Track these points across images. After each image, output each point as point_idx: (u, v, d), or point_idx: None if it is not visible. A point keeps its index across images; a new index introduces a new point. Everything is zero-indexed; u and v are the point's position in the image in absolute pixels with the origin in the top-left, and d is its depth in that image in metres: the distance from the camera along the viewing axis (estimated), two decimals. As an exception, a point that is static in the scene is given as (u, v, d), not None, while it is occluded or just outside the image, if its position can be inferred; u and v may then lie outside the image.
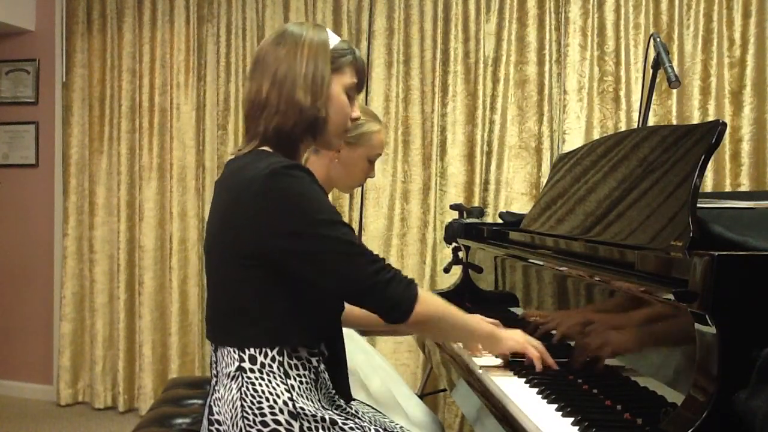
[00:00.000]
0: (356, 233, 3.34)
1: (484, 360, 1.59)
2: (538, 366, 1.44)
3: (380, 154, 1.99)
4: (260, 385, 1.27)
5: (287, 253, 1.24)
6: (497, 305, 2.02)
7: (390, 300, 1.27)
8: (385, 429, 1.41)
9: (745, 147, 2.93)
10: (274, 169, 1.23)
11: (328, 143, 1.42)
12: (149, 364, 3.67)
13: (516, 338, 1.48)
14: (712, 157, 1.65)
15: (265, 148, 1.33)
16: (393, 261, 3.34)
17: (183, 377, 3.18)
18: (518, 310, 1.84)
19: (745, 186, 2.91)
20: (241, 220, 1.26)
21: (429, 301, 1.32)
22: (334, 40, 1.39)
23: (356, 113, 1.43)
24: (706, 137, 1.27)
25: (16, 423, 3.58)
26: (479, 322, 1.50)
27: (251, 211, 1.25)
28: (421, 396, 2.50)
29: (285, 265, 1.25)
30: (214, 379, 1.35)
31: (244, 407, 1.26)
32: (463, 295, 2.34)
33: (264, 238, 1.24)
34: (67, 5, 3.86)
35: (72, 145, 3.83)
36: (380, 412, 1.59)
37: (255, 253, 1.26)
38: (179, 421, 1.83)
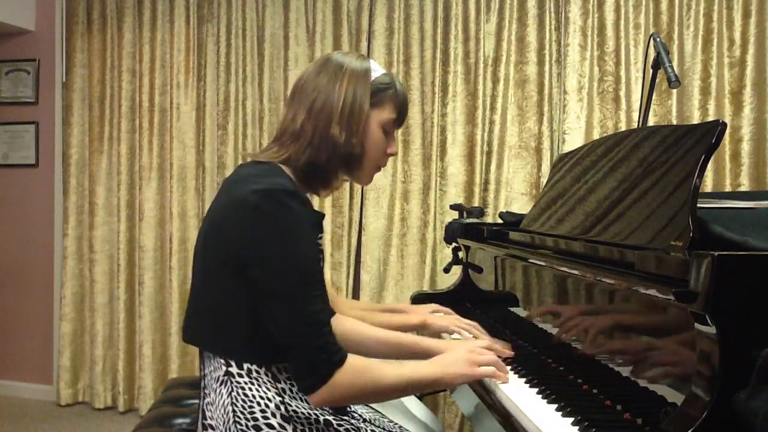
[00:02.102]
0: (357, 232, 3.35)
1: None
2: (503, 378, 1.38)
3: None
4: (250, 389, 1.26)
5: (255, 276, 1.22)
6: (497, 305, 2.02)
7: (301, 367, 1.20)
8: (383, 428, 1.41)
9: (745, 147, 2.93)
10: (273, 191, 1.21)
11: (361, 178, 1.40)
12: (149, 364, 3.67)
13: (464, 374, 1.34)
14: (712, 157, 1.65)
15: (284, 167, 1.31)
16: (393, 261, 3.34)
17: (183, 377, 3.18)
18: (518, 310, 1.85)
19: (745, 186, 2.91)
20: (227, 231, 1.25)
21: (347, 383, 1.21)
22: (376, 73, 1.36)
23: (393, 149, 1.40)
24: (706, 137, 1.27)
25: (16, 423, 3.58)
26: (424, 370, 1.33)
27: (238, 225, 1.23)
28: (421, 396, 2.50)
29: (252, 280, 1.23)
30: (203, 381, 1.34)
31: (236, 412, 1.25)
32: (463, 295, 2.34)
33: (243, 255, 1.22)
34: (67, 5, 3.86)
35: (72, 145, 3.83)
36: (379, 412, 1.59)
37: (235, 265, 1.24)
38: (179, 421, 1.83)
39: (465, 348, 1.40)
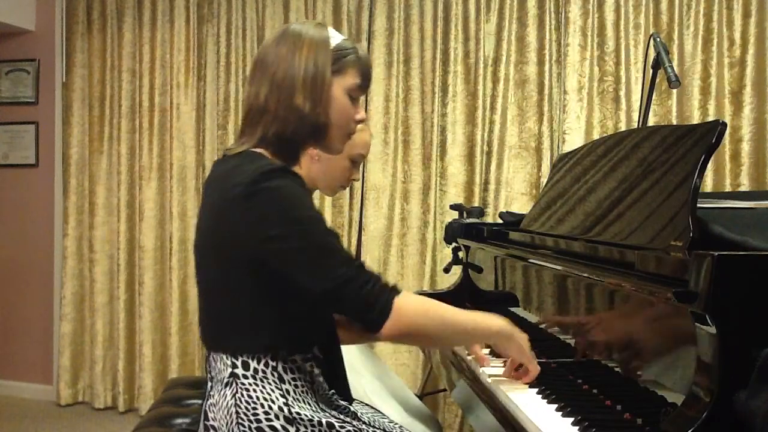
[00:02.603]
0: (357, 232, 3.35)
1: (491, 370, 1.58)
2: (527, 380, 1.40)
3: (363, 155, 1.90)
4: (254, 391, 1.25)
5: (268, 255, 1.21)
6: (497, 305, 2.02)
7: (363, 302, 1.19)
8: (384, 430, 1.41)
9: (745, 147, 2.93)
10: (261, 173, 1.21)
11: (331, 148, 1.39)
12: (149, 364, 3.67)
13: (524, 346, 1.37)
14: (712, 157, 1.65)
15: (260, 150, 1.30)
16: (393, 261, 3.34)
17: (183, 377, 3.18)
18: (518, 310, 1.84)
19: (745, 186, 2.91)
20: (227, 224, 1.25)
21: (413, 307, 1.22)
22: (336, 39, 1.34)
23: (361, 115, 1.39)
24: (706, 137, 1.27)
25: (16, 423, 3.58)
26: (487, 318, 1.38)
27: (237, 215, 1.22)
28: (421, 396, 2.50)
29: (268, 269, 1.22)
30: (209, 383, 1.34)
31: (239, 413, 1.25)
32: (463, 295, 2.34)
33: (248, 243, 1.22)
34: (67, 5, 3.86)
35: (72, 145, 3.83)
36: (380, 412, 1.59)
37: (242, 257, 1.23)
38: (179, 421, 1.83)
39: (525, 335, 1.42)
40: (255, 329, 1.27)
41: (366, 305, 1.20)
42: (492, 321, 1.37)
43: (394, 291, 1.23)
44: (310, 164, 1.81)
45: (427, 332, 1.27)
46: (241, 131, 1.35)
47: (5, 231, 4.05)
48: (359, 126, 1.87)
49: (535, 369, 1.39)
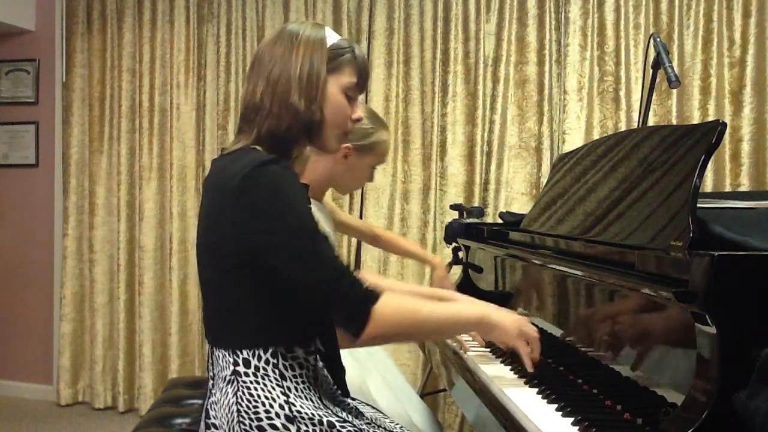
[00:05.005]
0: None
1: (490, 369, 1.58)
2: (528, 366, 1.40)
3: (384, 162, 2.02)
4: (255, 389, 1.26)
5: (260, 248, 1.22)
6: (497, 305, 2.01)
7: (341, 310, 1.23)
8: (384, 429, 1.41)
9: (745, 147, 2.94)
10: (254, 165, 1.22)
11: (326, 146, 1.38)
12: (149, 364, 3.67)
13: (509, 329, 1.38)
14: (712, 157, 1.65)
15: (256, 146, 1.31)
16: (393, 261, 3.34)
17: (183, 377, 3.18)
18: (518, 310, 1.84)
19: (745, 186, 2.92)
20: (223, 219, 1.26)
21: (390, 313, 1.24)
22: (332, 38, 1.36)
23: (357, 114, 1.39)
24: (706, 137, 1.27)
25: (16, 423, 3.58)
26: (466, 309, 1.41)
27: (231, 208, 1.23)
28: (421, 396, 2.50)
29: (261, 262, 1.23)
30: (211, 381, 1.34)
31: (240, 412, 1.25)
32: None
33: (242, 235, 1.23)
34: (67, 5, 3.86)
35: (72, 145, 3.83)
36: (381, 412, 1.59)
37: (238, 251, 1.24)
38: (179, 421, 1.83)
39: (515, 316, 1.43)
40: (253, 323, 1.27)
41: (343, 314, 1.23)
42: (472, 311, 1.40)
43: (372, 299, 1.23)
44: (334, 166, 1.88)
45: (405, 334, 1.31)
46: (239, 129, 1.36)
47: (5, 231, 4.05)
48: (386, 136, 1.94)
49: (524, 351, 1.38)
